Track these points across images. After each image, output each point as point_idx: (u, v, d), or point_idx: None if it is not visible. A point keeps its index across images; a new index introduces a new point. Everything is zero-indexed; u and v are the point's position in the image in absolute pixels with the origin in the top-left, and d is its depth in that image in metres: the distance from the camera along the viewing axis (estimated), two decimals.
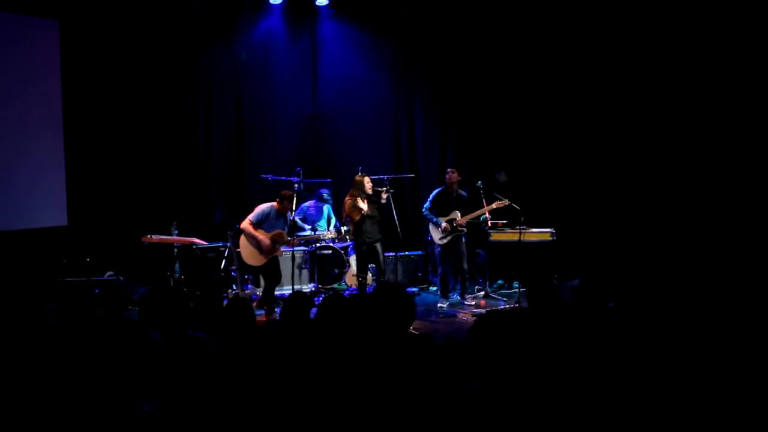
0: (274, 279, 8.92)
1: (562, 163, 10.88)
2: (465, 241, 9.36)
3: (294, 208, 8.96)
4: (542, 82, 11.00)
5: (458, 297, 9.48)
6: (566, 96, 10.84)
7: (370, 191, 9.00)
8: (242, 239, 8.85)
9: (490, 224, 9.59)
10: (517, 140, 11.23)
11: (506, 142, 11.30)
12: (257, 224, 8.73)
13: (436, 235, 9.32)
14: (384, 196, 8.91)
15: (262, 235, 8.72)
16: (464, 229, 9.23)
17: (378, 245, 9.04)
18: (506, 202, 9.21)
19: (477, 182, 9.46)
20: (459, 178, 9.38)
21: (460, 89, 11.60)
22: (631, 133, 10.28)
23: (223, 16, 11.01)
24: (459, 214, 9.21)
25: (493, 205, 9.23)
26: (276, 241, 8.75)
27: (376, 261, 9.10)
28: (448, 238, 9.21)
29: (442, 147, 11.88)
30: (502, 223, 9.85)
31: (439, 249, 9.32)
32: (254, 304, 8.77)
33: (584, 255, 10.03)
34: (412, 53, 11.73)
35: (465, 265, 9.27)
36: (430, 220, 9.34)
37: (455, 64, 11.55)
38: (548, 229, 9.81)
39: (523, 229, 9.42)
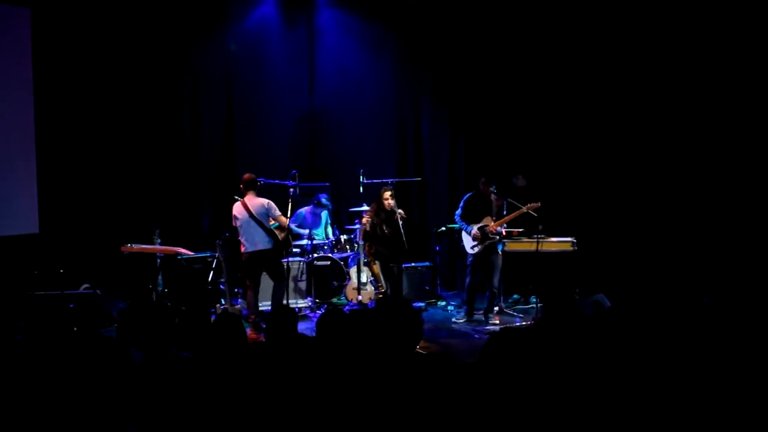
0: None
1: (585, 166, 10.85)
2: (502, 251, 9.36)
3: (289, 215, 8.96)
4: (562, 75, 10.98)
5: (476, 315, 9.50)
6: (588, 90, 10.82)
7: (388, 207, 9.01)
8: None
9: (504, 233, 9.56)
10: (535, 140, 11.20)
11: (523, 142, 11.28)
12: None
13: (467, 243, 9.32)
14: (398, 219, 8.93)
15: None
16: (496, 236, 9.21)
17: (393, 266, 9.17)
18: (538, 204, 9.12)
19: (490, 186, 9.40)
20: (490, 190, 9.26)
21: (471, 84, 11.59)
22: (662, 131, 10.25)
23: (211, 3, 11.04)
24: (491, 220, 9.18)
25: (525, 208, 9.08)
26: None
27: (390, 280, 9.16)
28: (480, 246, 9.18)
29: (451, 148, 11.87)
30: (518, 231, 9.82)
31: (471, 259, 9.32)
32: (250, 318, 8.77)
33: (609, 266, 10.00)
34: (417, 45, 11.74)
35: (496, 280, 9.24)
36: (461, 227, 9.35)
37: (464, 57, 11.55)
38: (569, 238, 9.76)
39: (541, 238, 9.39)
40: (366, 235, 9.23)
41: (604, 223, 10.50)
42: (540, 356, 2.89)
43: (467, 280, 9.38)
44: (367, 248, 9.28)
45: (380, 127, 11.88)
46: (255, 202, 8.76)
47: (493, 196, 9.26)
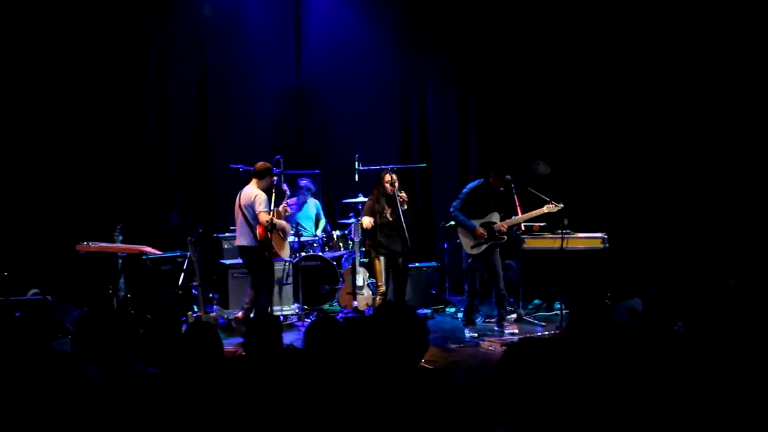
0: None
1: (618, 149, 10.84)
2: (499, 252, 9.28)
3: (272, 207, 8.94)
4: (591, 45, 10.97)
5: (487, 324, 9.47)
6: (618, 63, 10.81)
7: (389, 191, 8.92)
8: (275, 236, 8.92)
9: (523, 228, 9.54)
10: (560, 120, 11.20)
11: (545, 122, 11.27)
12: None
13: (466, 242, 9.17)
14: (401, 202, 8.84)
15: (279, 220, 9.03)
16: (504, 237, 9.14)
17: (399, 261, 9.07)
18: (560, 205, 9.06)
19: (505, 176, 9.33)
20: (499, 184, 9.18)
21: (485, 56, 11.57)
22: (706, 110, 10.25)
23: None
24: (499, 216, 9.11)
25: (544, 209, 9.09)
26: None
27: (395, 280, 9.09)
28: (483, 247, 9.09)
29: (461, 129, 11.86)
30: (540, 226, 9.80)
31: (469, 261, 9.23)
32: (244, 305, 8.80)
33: (646, 267, 9.99)
34: (423, 11, 11.72)
35: (502, 284, 9.18)
36: (460, 223, 9.20)
37: (477, 25, 11.52)
38: (599, 234, 9.76)
39: (566, 233, 9.38)
40: (367, 232, 9.14)
41: (640, 216, 10.49)
42: (565, 371, 2.88)
43: (467, 286, 9.28)
44: (368, 241, 9.16)
45: (379, 106, 11.87)
46: (248, 193, 8.86)
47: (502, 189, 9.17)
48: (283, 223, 9.06)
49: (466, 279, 9.34)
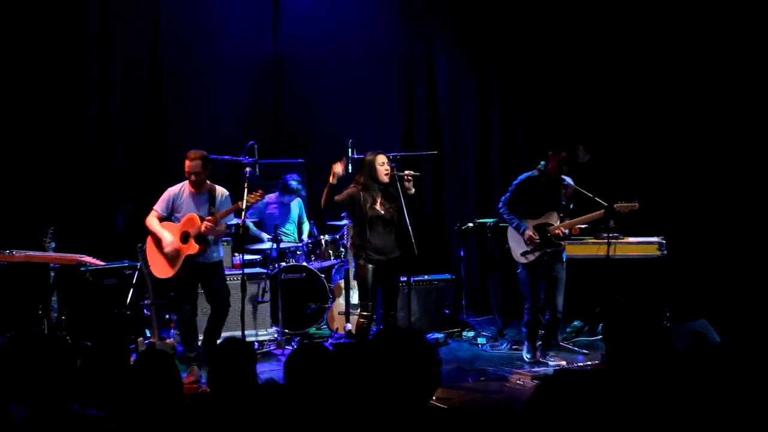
0: (218, 310, 8.75)
1: (674, 134, 10.85)
2: (566, 260, 9.19)
3: (245, 207, 8.91)
4: (640, 7, 10.98)
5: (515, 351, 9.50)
6: (677, 31, 10.82)
7: (386, 178, 8.48)
8: (149, 243, 8.73)
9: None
10: (601, 98, 11.21)
11: (583, 100, 11.28)
12: (167, 213, 8.63)
13: (516, 247, 9.18)
14: (408, 184, 8.30)
15: (166, 229, 8.56)
16: (562, 243, 9.09)
17: (394, 276, 8.58)
18: (635, 205, 8.97)
19: (564, 163, 9.21)
20: (563, 169, 8.97)
21: (508, 17, 11.60)
22: None
23: None
24: (557, 217, 9.07)
25: (618, 206, 8.97)
26: (185, 233, 8.48)
27: (388, 291, 8.66)
28: (536, 254, 9.03)
29: (481, 108, 11.90)
30: (580, 228, 9.78)
31: (524, 272, 9.19)
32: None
33: (714, 279, 9.99)
34: None
35: (560, 301, 9.08)
36: (508, 222, 9.20)
37: None
38: (654, 239, 9.77)
39: (614, 237, 9.38)
40: (329, 198, 8.36)
41: (705, 216, 10.48)
42: (611, 411, 2.87)
43: (526, 305, 9.23)
44: (352, 240, 8.71)
45: (378, 81, 11.93)
46: None
47: (566, 181, 9.09)
48: (156, 229, 8.57)
49: (523, 294, 9.30)
